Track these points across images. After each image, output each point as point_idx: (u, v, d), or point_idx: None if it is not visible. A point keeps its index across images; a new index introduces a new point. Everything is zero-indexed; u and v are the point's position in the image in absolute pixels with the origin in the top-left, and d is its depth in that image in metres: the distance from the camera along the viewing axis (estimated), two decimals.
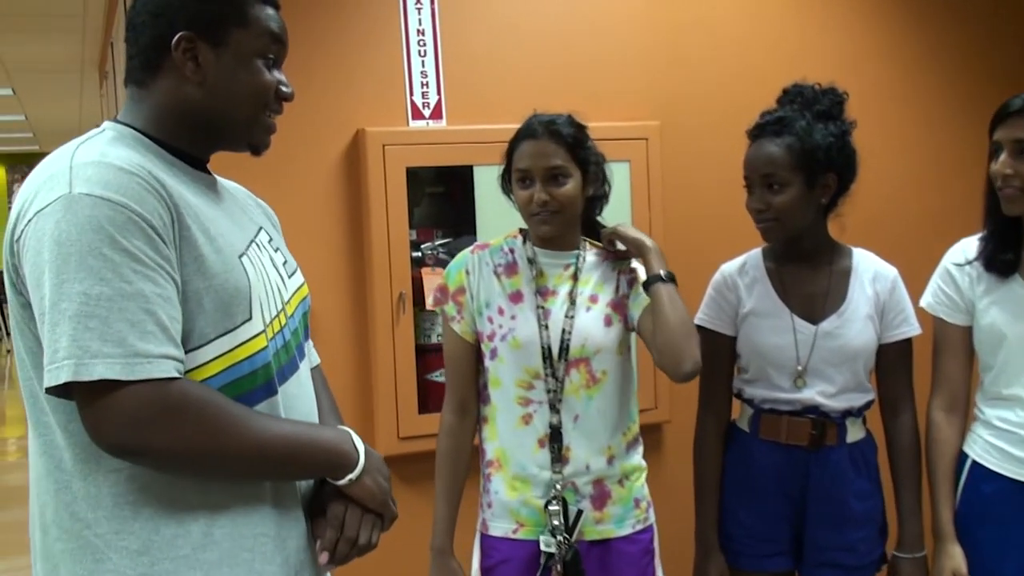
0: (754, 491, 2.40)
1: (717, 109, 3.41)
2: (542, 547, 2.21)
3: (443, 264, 3.14)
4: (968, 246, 2.34)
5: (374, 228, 3.00)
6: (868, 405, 2.40)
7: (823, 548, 2.36)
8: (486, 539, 2.32)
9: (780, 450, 2.37)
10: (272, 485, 1.55)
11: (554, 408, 2.24)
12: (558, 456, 2.23)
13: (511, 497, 2.27)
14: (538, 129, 2.24)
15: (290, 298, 1.70)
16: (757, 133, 2.35)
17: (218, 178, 1.70)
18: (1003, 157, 2.18)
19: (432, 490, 2.36)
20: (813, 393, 2.34)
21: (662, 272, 2.18)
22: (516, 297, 2.28)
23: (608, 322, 2.27)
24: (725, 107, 3.40)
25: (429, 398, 3.11)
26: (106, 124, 1.59)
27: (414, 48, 3.10)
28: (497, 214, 3.11)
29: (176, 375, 1.41)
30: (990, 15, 3.82)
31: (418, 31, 3.09)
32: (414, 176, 3.05)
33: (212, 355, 1.49)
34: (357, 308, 3.09)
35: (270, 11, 1.62)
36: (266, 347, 1.56)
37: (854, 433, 2.38)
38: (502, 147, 3.09)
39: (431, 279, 3.10)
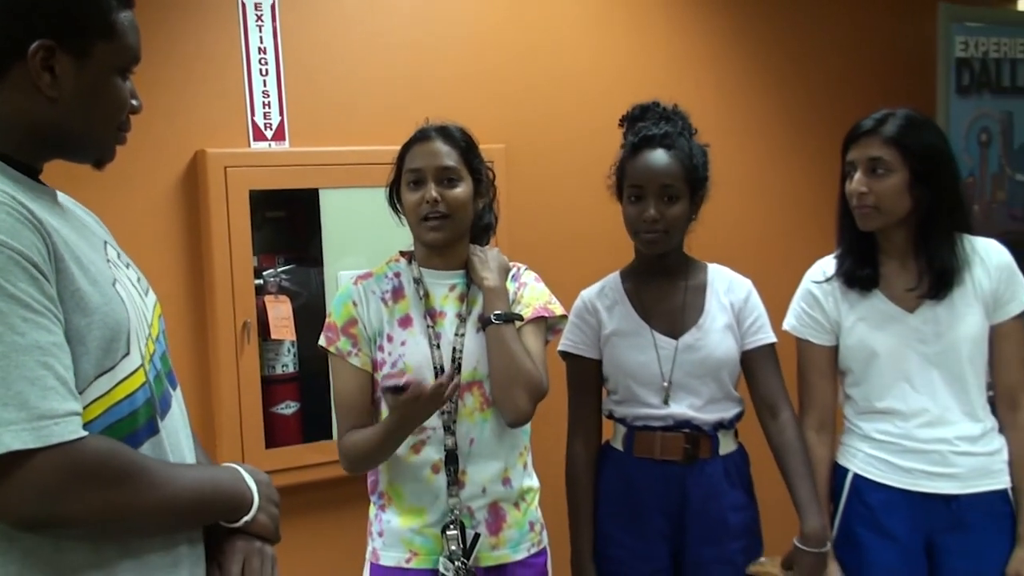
0: (632, 510, 2.38)
1: (561, 133, 3.44)
2: (441, 571, 2.12)
3: (286, 292, 3.02)
4: (826, 265, 2.43)
5: (216, 254, 2.84)
6: (739, 417, 2.43)
7: (703, 563, 2.37)
8: (377, 569, 2.21)
9: (655, 467, 2.36)
10: (165, 537, 1.42)
11: (449, 430, 2.16)
12: (454, 479, 2.16)
13: (404, 526, 2.18)
14: (431, 132, 2.21)
15: (152, 320, 1.56)
16: (642, 144, 2.33)
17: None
18: (857, 175, 2.28)
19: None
20: (683, 407, 2.35)
21: (492, 315, 2.14)
22: (405, 322, 2.20)
23: None
24: (569, 131, 3.44)
25: (275, 432, 2.96)
26: None
27: (255, 67, 2.96)
28: (344, 239, 3.03)
29: (84, 433, 1.27)
30: (835, 40, 4.06)
31: (259, 49, 2.96)
32: (254, 199, 2.91)
33: (91, 398, 1.34)
34: (198, 338, 2.91)
35: (131, 17, 1.47)
36: (145, 382, 1.43)
37: (726, 445, 2.40)
38: (348, 170, 3.05)
39: (275, 307, 2.97)
